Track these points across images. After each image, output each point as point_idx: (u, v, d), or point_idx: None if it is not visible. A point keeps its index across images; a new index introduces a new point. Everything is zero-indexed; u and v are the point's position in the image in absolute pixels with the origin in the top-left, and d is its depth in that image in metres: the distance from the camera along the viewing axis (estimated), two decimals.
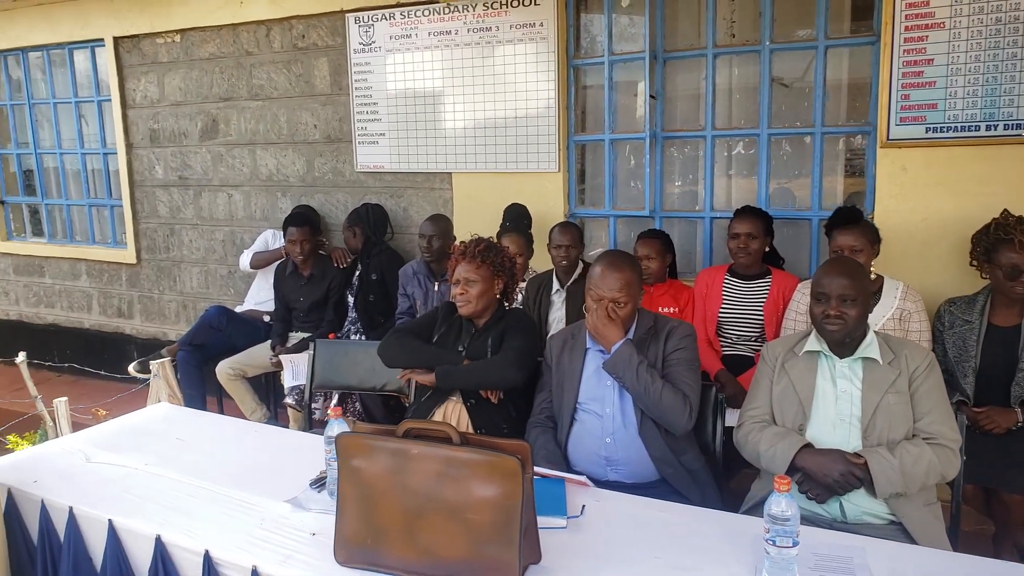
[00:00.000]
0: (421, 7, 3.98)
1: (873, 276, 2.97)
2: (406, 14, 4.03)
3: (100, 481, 2.12)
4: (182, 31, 4.72)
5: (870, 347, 2.14)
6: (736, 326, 3.25)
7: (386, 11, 4.07)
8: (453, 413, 2.52)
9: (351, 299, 4.11)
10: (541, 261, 3.70)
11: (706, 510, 1.89)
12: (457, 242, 2.74)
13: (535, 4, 3.73)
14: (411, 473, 1.60)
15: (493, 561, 1.54)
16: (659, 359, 2.31)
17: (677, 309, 3.42)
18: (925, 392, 2.06)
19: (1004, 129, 2.93)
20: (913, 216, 3.11)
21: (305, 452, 2.29)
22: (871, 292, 2.20)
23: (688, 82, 3.70)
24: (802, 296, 3.06)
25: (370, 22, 4.14)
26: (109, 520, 1.90)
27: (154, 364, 3.76)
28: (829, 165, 3.49)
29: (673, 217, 3.80)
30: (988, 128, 2.96)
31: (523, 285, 3.63)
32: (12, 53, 5.56)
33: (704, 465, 2.30)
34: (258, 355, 4.06)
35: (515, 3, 3.78)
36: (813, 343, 2.21)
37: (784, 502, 1.46)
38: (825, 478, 1.99)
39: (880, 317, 2.93)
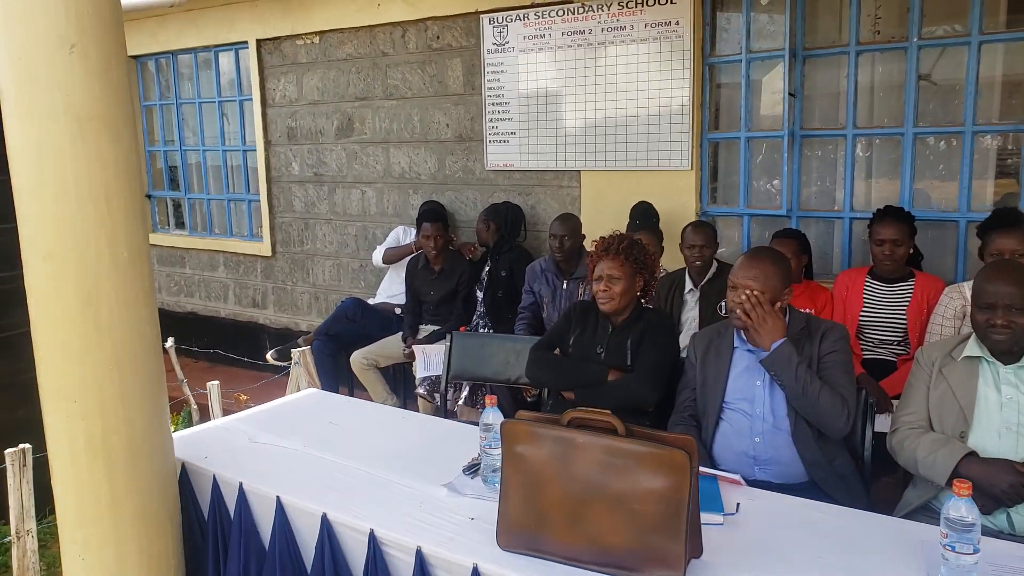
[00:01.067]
0: (556, 7, 4.04)
1: None
2: (540, 14, 4.11)
3: (265, 460, 2.24)
4: (321, 33, 4.97)
5: None
6: (878, 330, 3.15)
7: (520, 11, 4.16)
8: None
9: (480, 294, 4.23)
10: (668, 259, 3.70)
11: (866, 513, 1.85)
12: (590, 239, 2.79)
13: (671, 3, 3.72)
14: (576, 461, 1.65)
15: (659, 552, 1.57)
16: (814, 360, 2.28)
17: (814, 310, 3.34)
18: None
19: None
20: None
21: (451, 439, 2.37)
22: None
23: (828, 80, 3.60)
24: (950, 300, 2.94)
25: (504, 23, 4.24)
26: (277, 497, 2.00)
27: (295, 352, 3.98)
28: (979, 165, 3.32)
29: (810, 217, 3.71)
30: None
31: None
32: (163, 56, 6.00)
33: (854, 470, 2.26)
34: (391, 346, 4.23)
35: (651, 2, 3.78)
36: (974, 348, 2.13)
37: (964, 507, 1.43)
38: (992, 488, 1.92)
39: None
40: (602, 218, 3.94)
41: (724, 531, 1.78)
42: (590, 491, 1.64)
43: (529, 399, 3.55)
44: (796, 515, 1.86)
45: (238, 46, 5.49)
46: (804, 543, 1.72)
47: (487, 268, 4.21)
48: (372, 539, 1.83)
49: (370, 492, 2.03)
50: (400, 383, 4.35)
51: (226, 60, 5.68)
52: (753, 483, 2.14)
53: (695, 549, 1.64)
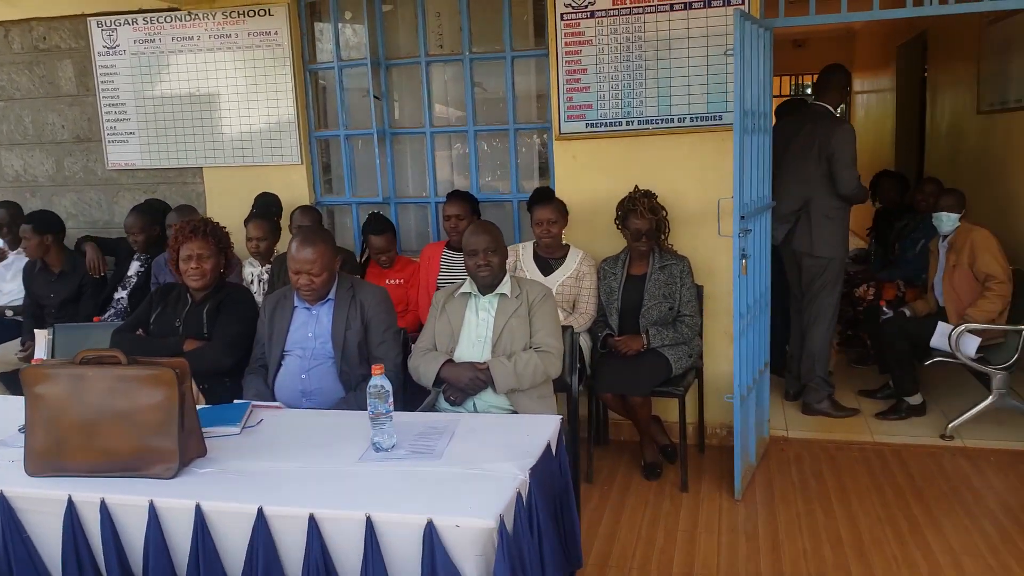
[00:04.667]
0: (163, 13, 4.25)
1: (563, 242, 3.68)
2: (149, 19, 4.28)
3: None
4: None
5: (504, 285, 2.77)
6: None
7: (129, 16, 4.30)
8: None
9: (122, 292, 4.24)
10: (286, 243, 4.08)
11: (355, 412, 2.38)
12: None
13: (269, 15, 4.13)
14: (88, 391, 1.96)
15: (158, 452, 1.94)
16: (359, 318, 2.80)
17: (403, 280, 3.97)
18: (540, 316, 2.71)
19: (637, 125, 3.72)
20: (582, 194, 3.83)
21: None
22: (504, 247, 2.82)
23: (411, 84, 4.26)
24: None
25: (113, 26, 4.34)
26: None
27: None
28: (526, 156, 4.18)
29: (406, 203, 4.34)
30: (627, 124, 3.74)
31: (269, 266, 4.02)
32: None
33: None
34: (7, 350, 4.11)
35: (251, 13, 4.16)
36: (467, 287, 2.82)
37: (379, 382, 1.99)
38: (458, 383, 2.59)
39: (562, 276, 3.63)
40: (228, 210, 4.20)
41: (241, 438, 2.20)
42: (101, 413, 1.96)
43: None
44: (307, 422, 2.35)
45: None
46: (301, 436, 2.20)
47: (138, 267, 4.24)
48: None
49: None
50: None
51: None
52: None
53: (198, 449, 2.04)
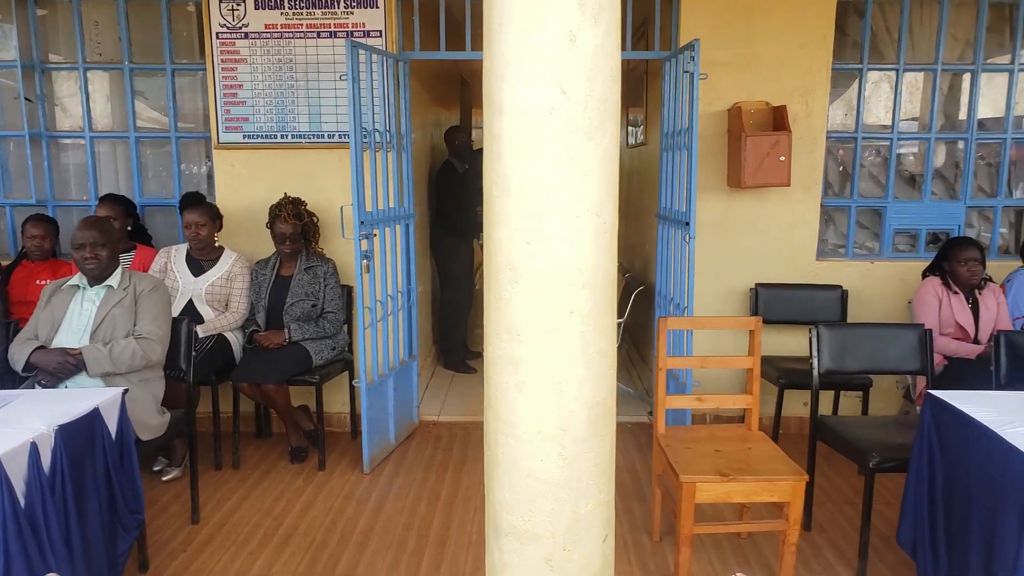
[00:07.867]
0: None
1: (217, 245, 3.90)
2: None
3: None
4: None
5: (114, 278, 2.95)
6: None
7: None
8: None
9: None
10: None
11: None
12: None
13: None
14: None
15: None
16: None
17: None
18: (146, 306, 2.92)
19: (291, 138, 4.07)
20: (241, 201, 4.09)
21: None
22: (115, 242, 3.00)
23: (73, 89, 4.27)
24: (158, 259, 3.86)
25: None
26: None
27: None
28: (194, 163, 4.36)
29: (68, 205, 4.33)
30: (282, 137, 4.07)
31: None
32: None
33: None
34: None
35: None
36: (75, 280, 2.96)
37: None
38: (47, 367, 2.73)
39: (213, 276, 3.85)
40: None
41: None
42: None
43: None
44: None
45: None
46: None
47: None
48: None
49: None
50: None
51: None
52: None
53: None
